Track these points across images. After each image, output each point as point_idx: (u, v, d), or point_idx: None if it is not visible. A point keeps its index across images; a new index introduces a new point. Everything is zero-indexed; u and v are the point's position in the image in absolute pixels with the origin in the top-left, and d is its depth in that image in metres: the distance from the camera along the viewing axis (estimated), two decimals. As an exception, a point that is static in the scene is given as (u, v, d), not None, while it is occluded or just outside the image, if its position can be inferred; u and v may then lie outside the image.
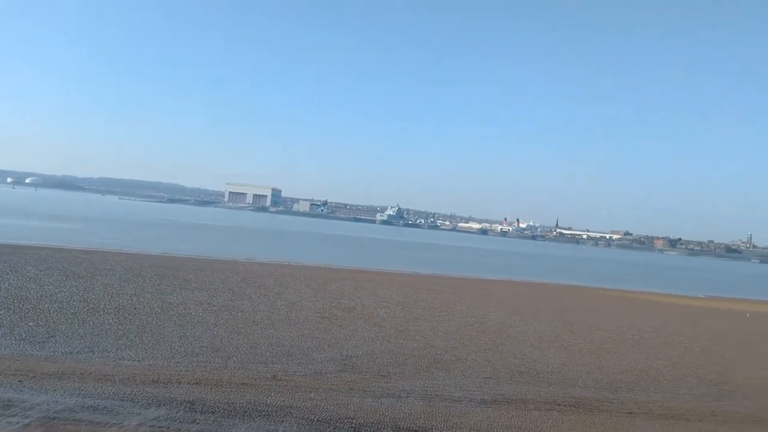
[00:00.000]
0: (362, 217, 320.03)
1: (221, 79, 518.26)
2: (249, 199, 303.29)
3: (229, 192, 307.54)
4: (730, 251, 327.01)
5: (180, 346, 14.30)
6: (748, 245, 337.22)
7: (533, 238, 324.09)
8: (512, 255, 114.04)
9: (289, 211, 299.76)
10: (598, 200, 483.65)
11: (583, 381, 14.82)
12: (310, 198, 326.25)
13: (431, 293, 31.65)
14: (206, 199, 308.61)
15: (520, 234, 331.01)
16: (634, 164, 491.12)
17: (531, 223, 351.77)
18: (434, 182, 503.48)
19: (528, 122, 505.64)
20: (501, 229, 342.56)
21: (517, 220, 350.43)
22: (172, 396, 10.22)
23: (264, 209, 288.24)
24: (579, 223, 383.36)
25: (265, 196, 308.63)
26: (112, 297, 20.36)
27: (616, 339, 22.27)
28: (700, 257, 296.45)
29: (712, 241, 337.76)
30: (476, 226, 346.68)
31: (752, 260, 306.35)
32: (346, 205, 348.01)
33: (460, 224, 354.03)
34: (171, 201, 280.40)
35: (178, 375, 11.72)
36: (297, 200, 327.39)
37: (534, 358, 17.07)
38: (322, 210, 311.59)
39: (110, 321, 16.52)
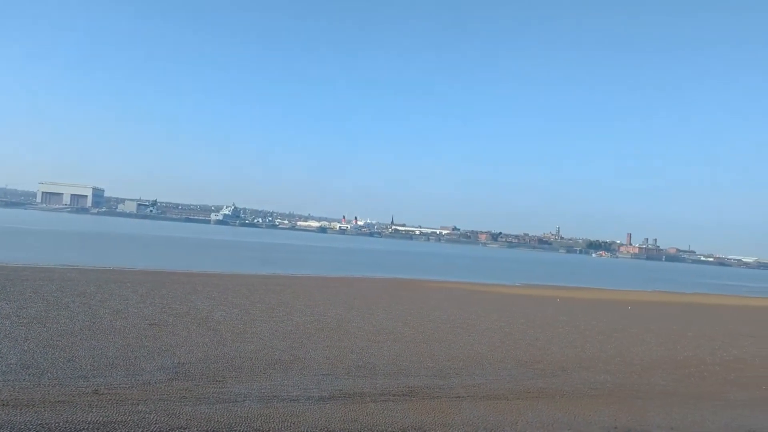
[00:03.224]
0: (196, 217, 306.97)
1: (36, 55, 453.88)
2: (66, 199, 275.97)
3: (42, 192, 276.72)
4: (542, 243, 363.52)
5: (-20, 367, 12.62)
6: (556, 237, 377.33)
7: (371, 234, 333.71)
8: (350, 252, 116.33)
9: (113, 213, 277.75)
10: (429, 198, 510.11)
11: (416, 370, 15.54)
12: (137, 198, 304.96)
13: (269, 294, 31.22)
14: (14, 200, 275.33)
15: (359, 231, 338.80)
16: (460, 164, 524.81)
17: (368, 221, 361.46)
18: (272, 181, 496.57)
19: (363, 122, 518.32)
20: (340, 226, 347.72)
21: (355, 218, 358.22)
22: (-31, 424, 8.99)
23: (84, 210, 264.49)
24: (412, 220, 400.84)
25: (86, 197, 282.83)
26: None
27: (445, 327, 23.65)
28: (517, 249, 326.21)
29: (527, 234, 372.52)
30: (315, 224, 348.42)
31: (560, 250, 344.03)
32: (177, 204, 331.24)
33: (299, 223, 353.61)
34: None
35: (-22, 399, 10.33)
36: (122, 200, 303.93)
37: (370, 352, 17.55)
38: (151, 210, 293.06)
39: None
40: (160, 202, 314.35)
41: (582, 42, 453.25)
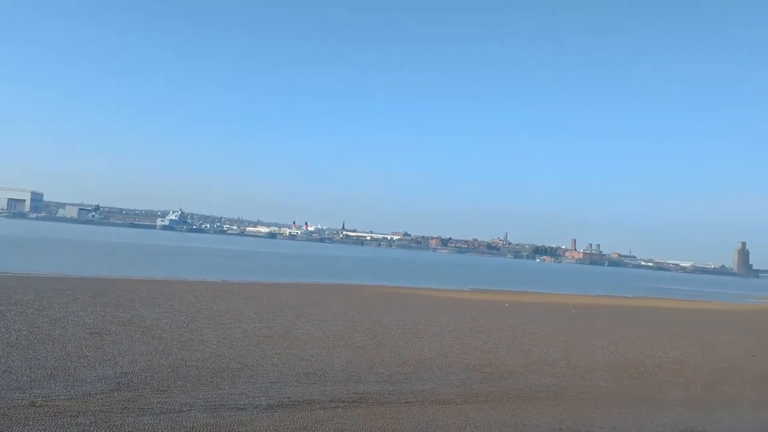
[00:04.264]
0: (141, 222, 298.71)
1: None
2: (2, 204, 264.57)
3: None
4: (491, 248, 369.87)
5: None
6: (504, 242, 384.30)
7: (321, 240, 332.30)
8: (300, 258, 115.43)
9: (53, 218, 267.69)
10: (380, 204, 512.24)
11: (366, 376, 15.53)
12: (79, 202, 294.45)
13: (216, 300, 30.64)
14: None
15: (309, 237, 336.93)
16: (410, 170, 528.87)
17: (319, 226, 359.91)
18: (220, 185, 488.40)
19: (306, 129, 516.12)
20: (290, 232, 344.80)
21: (306, 224, 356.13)
22: None
23: (22, 215, 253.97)
24: (363, 226, 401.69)
25: (23, 201, 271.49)
26: None
27: (395, 333, 23.72)
28: (467, 254, 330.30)
29: (476, 240, 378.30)
30: (264, 230, 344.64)
31: (507, 255, 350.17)
32: (121, 209, 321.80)
33: (248, 228, 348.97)
34: None
35: None
36: (63, 205, 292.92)
37: (320, 359, 17.44)
38: (93, 215, 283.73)
39: None
40: (103, 207, 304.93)
41: (525, 42, 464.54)
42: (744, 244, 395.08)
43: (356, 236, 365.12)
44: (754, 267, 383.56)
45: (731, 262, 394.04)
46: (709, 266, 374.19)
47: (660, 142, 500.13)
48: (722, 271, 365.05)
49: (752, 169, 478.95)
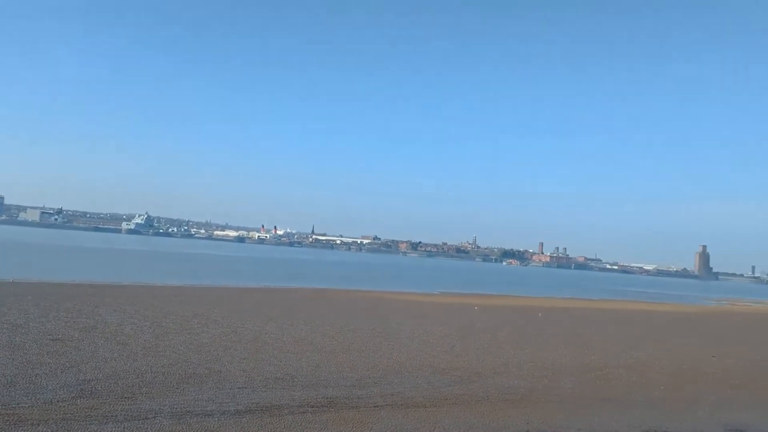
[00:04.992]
0: (106, 226, 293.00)
1: None
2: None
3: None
4: (460, 251, 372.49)
5: None
6: (473, 246, 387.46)
7: (291, 244, 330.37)
8: (269, 262, 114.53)
9: (14, 221, 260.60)
10: (350, 208, 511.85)
11: (335, 380, 15.48)
12: (41, 206, 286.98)
13: (183, 305, 30.20)
14: None
15: (278, 241, 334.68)
16: (380, 174, 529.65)
17: (288, 230, 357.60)
18: (187, 189, 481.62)
19: (281, 127, 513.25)
20: (259, 236, 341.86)
21: (275, 227, 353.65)
22: None
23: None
24: (333, 229, 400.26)
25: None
26: None
27: (365, 337, 23.71)
28: (436, 258, 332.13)
29: (445, 243, 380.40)
30: (233, 233, 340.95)
31: (476, 259, 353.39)
32: (86, 213, 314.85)
33: (216, 232, 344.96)
34: None
35: None
36: (24, 208, 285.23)
37: (289, 363, 17.33)
38: (57, 219, 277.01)
39: None
40: (67, 210, 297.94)
41: (494, 53, 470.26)
42: (705, 247, 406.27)
43: (326, 240, 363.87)
44: (714, 270, 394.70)
45: (693, 265, 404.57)
46: (671, 269, 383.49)
47: (625, 159, 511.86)
48: (684, 273, 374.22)
49: (713, 175, 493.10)
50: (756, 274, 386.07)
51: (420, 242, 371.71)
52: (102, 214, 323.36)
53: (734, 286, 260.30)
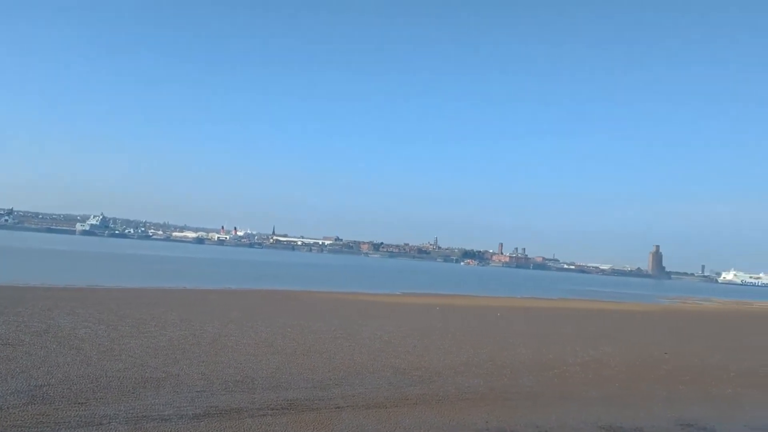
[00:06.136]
0: (59, 227, 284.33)
1: None
2: None
3: None
4: (422, 252, 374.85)
5: None
6: (434, 247, 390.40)
7: (251, 245, 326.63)
8: (229, 263, 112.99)
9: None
10: (311, 208, 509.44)
11: (295, 383, 15.37)
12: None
13: (140, 308, 29.53)
14: None
15: (238, 242, 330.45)
16: (341, 174, 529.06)
17: (249, 231, 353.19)
18: (144, 189, 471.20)
19: (240, 128, 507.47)
20: (218, 237, 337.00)
21: (235, 228, 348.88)
22: None
23: None
24: (294, 230, 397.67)
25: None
26: None
27: (326, 338, 23.61)
28: (398, 258, 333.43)
29: (407, 244, 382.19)
30: (192, 234, 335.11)
31: (437, 259, 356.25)
32: (38, 213, 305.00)
33: (175, 233, 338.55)
34: None
35: None
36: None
37: (249, 366, 17.13)
38: (6, 220, 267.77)
39: None
40: (18, 211, 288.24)
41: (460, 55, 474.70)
42: (658, 247, 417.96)
43: (287, 241, 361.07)
44: (667, 269, 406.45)
45: (646, 264, 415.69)
46: (626, 268, 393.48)
47: (580, 161, 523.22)
48: (638, 273, 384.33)
49: (667, 178, 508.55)
50: (705, 273, 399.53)
51: (382, 243, 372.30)
52: (55, 215, 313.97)
53: (685, 284, 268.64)
